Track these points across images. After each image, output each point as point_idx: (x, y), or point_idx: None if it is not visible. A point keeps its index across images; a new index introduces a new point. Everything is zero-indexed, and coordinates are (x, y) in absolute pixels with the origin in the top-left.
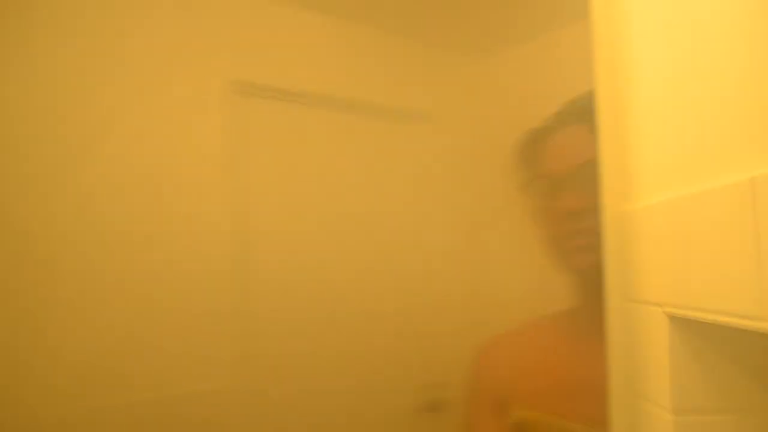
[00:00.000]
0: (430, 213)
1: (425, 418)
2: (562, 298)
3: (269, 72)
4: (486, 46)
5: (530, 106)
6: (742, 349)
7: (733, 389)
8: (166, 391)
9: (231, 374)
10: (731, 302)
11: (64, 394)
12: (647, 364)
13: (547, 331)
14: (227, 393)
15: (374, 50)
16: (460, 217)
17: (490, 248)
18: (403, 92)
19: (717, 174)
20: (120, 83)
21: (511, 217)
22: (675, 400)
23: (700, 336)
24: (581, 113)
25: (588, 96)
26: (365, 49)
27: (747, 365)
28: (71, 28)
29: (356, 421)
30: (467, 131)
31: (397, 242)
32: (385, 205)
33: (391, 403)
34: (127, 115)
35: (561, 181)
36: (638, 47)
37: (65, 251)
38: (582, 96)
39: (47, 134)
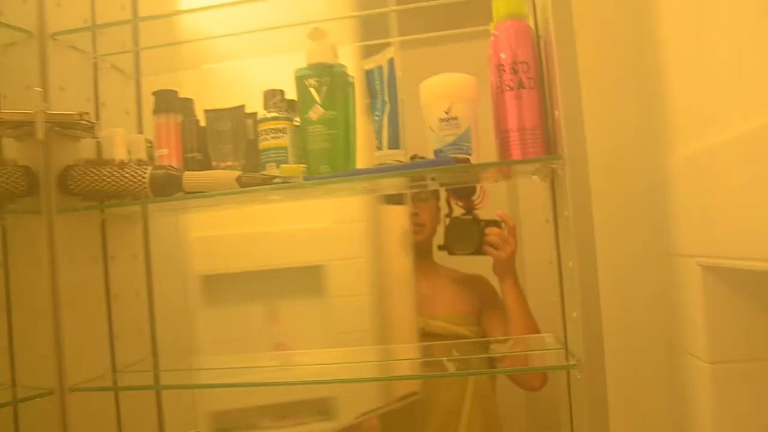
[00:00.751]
0: None
1: None
2: None
3: None
4: None
5: None
6: None
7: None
8: None
9: None
10: (763, 247)
11: None
12: (683, 315)
13: None
14: None
15: None
16: None
17: None
18: None
19: (748, 123)
20: None
21: None
22: (711, 350)
23: (733, 285)
24: None
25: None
26: None
27: None
28: None
29: None
30: None
31: None
32: None
33: None
34: None
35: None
36: None
37: None
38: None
39: None
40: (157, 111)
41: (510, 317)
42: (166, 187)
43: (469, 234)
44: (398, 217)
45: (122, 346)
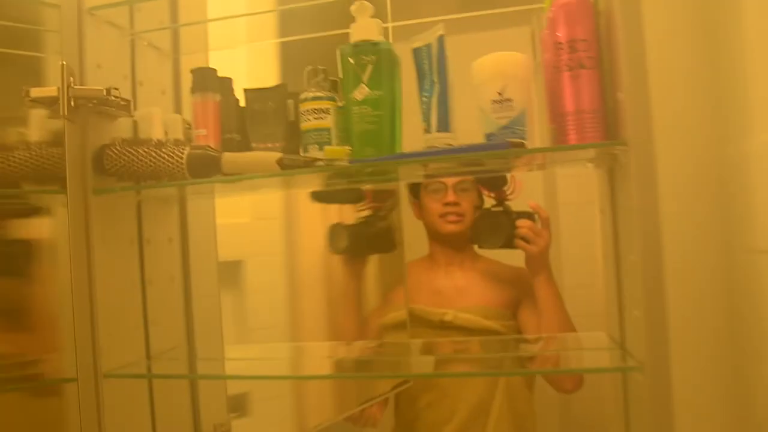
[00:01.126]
0: None
1: None
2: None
3: None
4: None
5: None
6: None
7: None
8: None
9: None
10: None
11: None
12: (761, 318)
13: (417, 266)
14: None
15: None
16: None
17: None
18: None
19: None
20: None
21: None
22: None
23: None
24: None
25: None
26: None
27: None
28: None
29: None
30: None
31: None
32: None
33: None
34: None
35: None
36: None
37: None
38: None
39: None
40: (195, 90)
41: (543, 315)
42: (204, 168)
43: (499, 227)
44: (317, 214)
45: (157, 332)
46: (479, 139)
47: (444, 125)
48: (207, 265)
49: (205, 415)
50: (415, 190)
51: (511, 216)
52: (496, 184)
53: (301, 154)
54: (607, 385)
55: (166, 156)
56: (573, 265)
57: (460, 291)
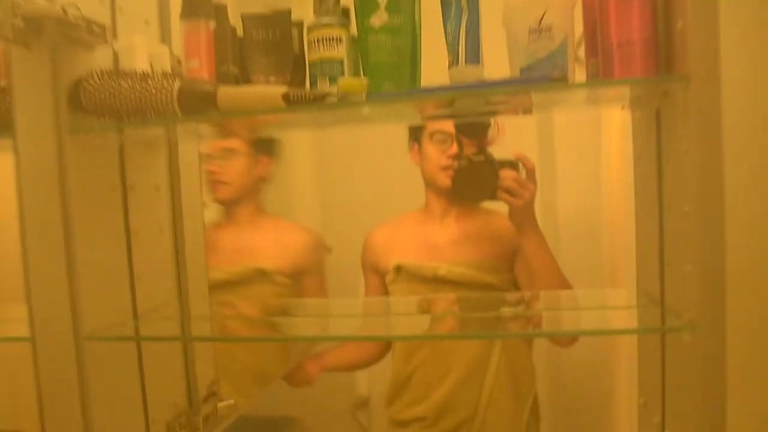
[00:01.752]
0: None
1: None
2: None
3: None
4: None
5: None
6: None
7: None
8: None
9: None
10: None
11: None
12: None
13: (410, 218)
14: None
15: None
16: None
17: None
18: None
19: None
20: None
21: None
22: None
23: None
24: None
25: None
26: None
27: None
28: None
29: None
30: None
31: None
32: None
33: None
34: None
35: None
36: None
37: None
38: None
39: None
40: (185, 15)
41: (534, 272)
42: (197, 103)
43: (480, 178)
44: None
45: (144, 289)
46: (508, 74)
47: (474, 57)
48: (199, 214)
49: (198, 373)
50: (416, 133)
51: (493, 166)
52: (477, 131)
53: (307, 86)
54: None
55: (153, 90)
56: (572, 218)
57: (456, 244)
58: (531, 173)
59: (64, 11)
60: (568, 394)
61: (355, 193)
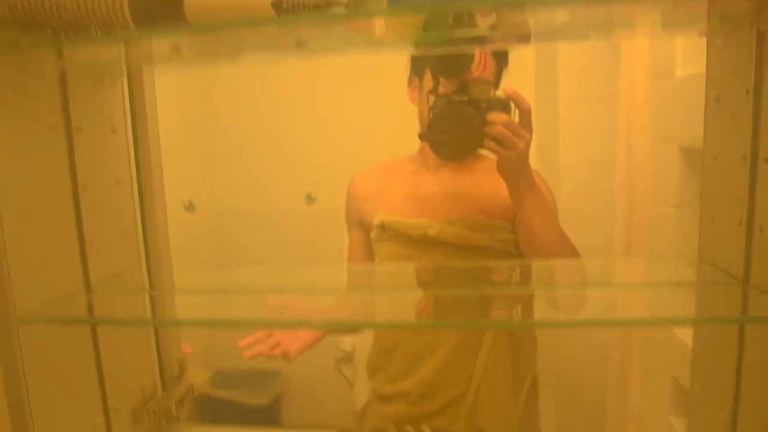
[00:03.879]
0: None
1: None
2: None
3: None
4: None
5: None
6: None
7: None
8: None
9: None
10: None
11: None
12: None
13: (402, 165)
14: None
15: None
16: None
17: None
18: None
19: None
20: None
21: None
22: None
23: None
24: None
25: None
26: None
27: None
28: None
29: None
30: None
31: None
32: None
33: None
34: None
35: None
36: None
37: None
38: None
39: None
40: None
41: (531, 236)
42: (157, 11)
43: (463, 123)
44: None
45: (98, 254)
46: None
47: None
48: (170, 163)
49: (167, 348)
50: (418, 66)
51: (479, 108)
52: (459, 65)
53: None
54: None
55: None
56: (577, 173)
57: (449, 199)
58: (526, 116)
59: None
60: (570, 368)
61: (347, 133)
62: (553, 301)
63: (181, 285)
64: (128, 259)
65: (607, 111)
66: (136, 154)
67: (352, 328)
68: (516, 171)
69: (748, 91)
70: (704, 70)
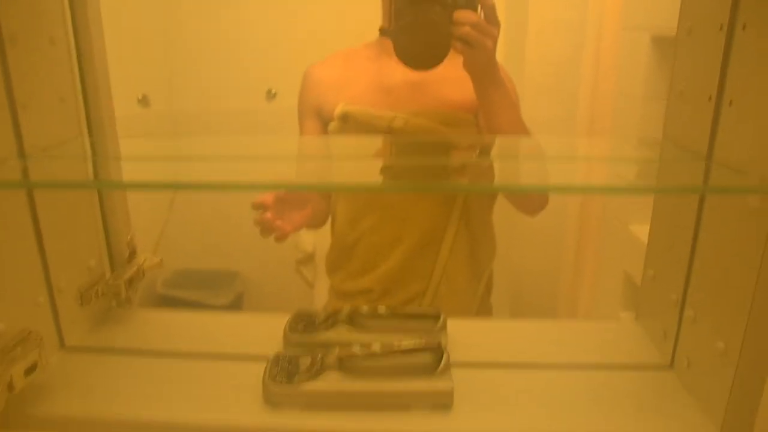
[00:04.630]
0: None
1: None
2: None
3: None
4: None
5: None
6: None
7: None
8: None
9: None
10: None
11: None
12: None
13: (362, 53)
14: None
15: None
16: None
17: None
18: None
19: None
20: None
21: None
22: None
23: None
24: None
25: None
26: None
27: None
28: None
29: None
30: None
31: None
32: None
33: None
34: None
35: None
36: None
37: None
38: None
39: None
40: None
41: (494, 130)
42: None
43: (430, 27)
44: None
45: (33, 118)
46: None
47: None
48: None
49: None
50: None
51: (445, 6)
52: None
53: None
54: (570, 206)
55: None
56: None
57: (416, 88)
58: (491, 12)
59: None
60: (525, 262)
61: (307, 26)
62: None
63: (128, 153)
64: (67, 125)
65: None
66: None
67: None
68: (483, 68)
69: None
70: None
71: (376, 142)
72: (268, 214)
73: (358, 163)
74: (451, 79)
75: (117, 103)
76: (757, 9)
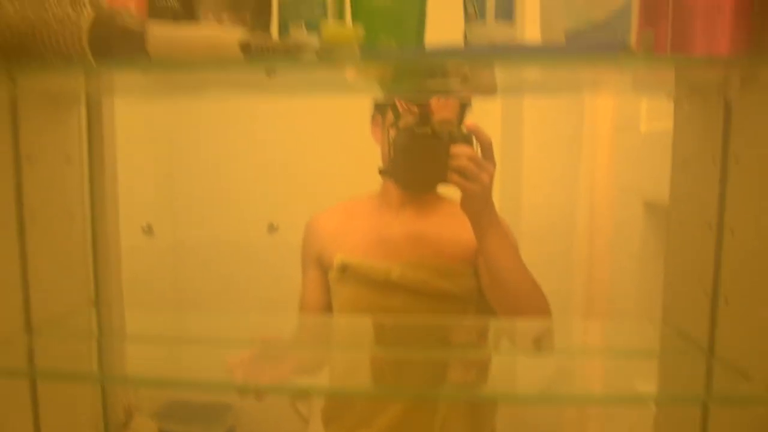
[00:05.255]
0: None
1: None
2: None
3: None
4: None
5: None
6: None
7: None
8: None
9: None
10: None
11: None
12: None
13: (363, 205)
14: None
15: None
16: None
17: None
18: None
19: None
20: None
21: None
22: None
23: None
24: None
25: None
26: None
27: None
28: None
29: None
30: None
31: None
32: None
33: None
34: None
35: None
36: None
37: None
38: None
39: None
40: None
41: (496, 276)
42: (118, 43)
43: (427, 155)
44: None
45: (43, 294)
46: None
47: (506, 11)
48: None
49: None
50: (381, 104)
51: (442, 140)
52: (423, 99)
53: (276, 35)
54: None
55: (53, 19)
56: (540, 219)
57: (413, 240)
58: (488, 149)
59: None
60: (527, 421)
61: (310, 166)
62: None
63: (133, 327)
64: (77, 298)
65: (570, 160)
66: (90, 185)
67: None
68: (480, 206)
69: (714, 159)
70: (669, 126)
71: (375, 322)
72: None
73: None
74: (448, 229)
75: (122, 230)
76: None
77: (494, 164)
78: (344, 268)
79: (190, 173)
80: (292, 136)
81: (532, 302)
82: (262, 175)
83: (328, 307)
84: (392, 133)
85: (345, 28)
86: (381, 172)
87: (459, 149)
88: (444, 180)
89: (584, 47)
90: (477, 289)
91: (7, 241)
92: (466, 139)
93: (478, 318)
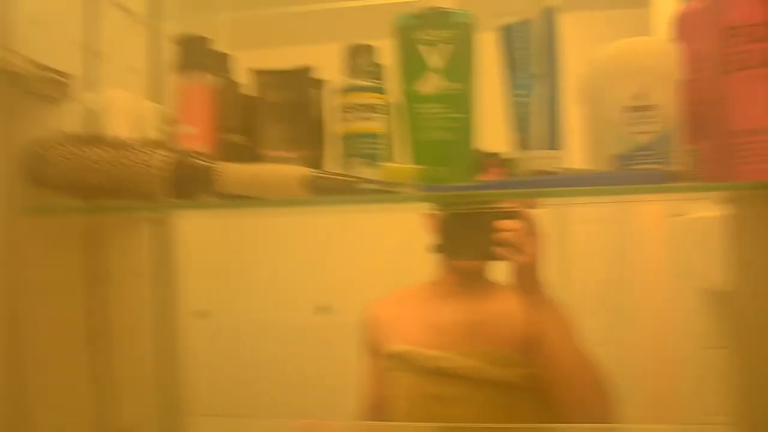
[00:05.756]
0: None
1: None
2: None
3: None
4: None
5: None
6: None
7: None
8: None
9: None
10: None
11: None
12: None
13: (416, 293)
14: None
15: None
16: None
17: None
18: None
19: None
20: None
21: None
22: None
23: None
24: None
25: None
26: None
27: None
28: None
29: None
30: None
31: None
32: None
33: None
34: None
35: None
36: None
37: None
38: None
39: None
40: (181, 69)
41: (549, 355)
42: (190, 183)
43: (472, 230)
44: None
45: (113, 408)
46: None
47: (554, 140)
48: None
49: None
50: None
51: (486, 215)
52: None
53: (336, 169)
54: None
55: (130, 163)
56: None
57: (465, 328)
58: (531, 222)
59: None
60: None
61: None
62: None
63: None
64: (146, 412)
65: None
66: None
67: None
68: (529, 279)
69: None
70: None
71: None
72: None
73: None
74: (501, 315)
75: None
76: None
77: (539, 236)
78: (397, 356)
79: (246, 260)
80: (347, 231)
81: (592, 391)
82: (315, 262)
83: (384, 397)
84: (440, 212)
85: (405, 166)
86: (432, 249)
87: (503, 222)
88: (491, 255)
89: (630, 179)
90: (533, 378)
91: (77, 359)
92: (509, 215)
93: (538, 414)
